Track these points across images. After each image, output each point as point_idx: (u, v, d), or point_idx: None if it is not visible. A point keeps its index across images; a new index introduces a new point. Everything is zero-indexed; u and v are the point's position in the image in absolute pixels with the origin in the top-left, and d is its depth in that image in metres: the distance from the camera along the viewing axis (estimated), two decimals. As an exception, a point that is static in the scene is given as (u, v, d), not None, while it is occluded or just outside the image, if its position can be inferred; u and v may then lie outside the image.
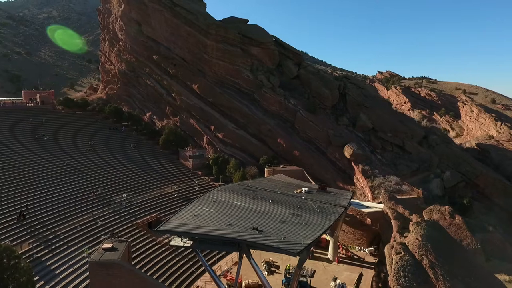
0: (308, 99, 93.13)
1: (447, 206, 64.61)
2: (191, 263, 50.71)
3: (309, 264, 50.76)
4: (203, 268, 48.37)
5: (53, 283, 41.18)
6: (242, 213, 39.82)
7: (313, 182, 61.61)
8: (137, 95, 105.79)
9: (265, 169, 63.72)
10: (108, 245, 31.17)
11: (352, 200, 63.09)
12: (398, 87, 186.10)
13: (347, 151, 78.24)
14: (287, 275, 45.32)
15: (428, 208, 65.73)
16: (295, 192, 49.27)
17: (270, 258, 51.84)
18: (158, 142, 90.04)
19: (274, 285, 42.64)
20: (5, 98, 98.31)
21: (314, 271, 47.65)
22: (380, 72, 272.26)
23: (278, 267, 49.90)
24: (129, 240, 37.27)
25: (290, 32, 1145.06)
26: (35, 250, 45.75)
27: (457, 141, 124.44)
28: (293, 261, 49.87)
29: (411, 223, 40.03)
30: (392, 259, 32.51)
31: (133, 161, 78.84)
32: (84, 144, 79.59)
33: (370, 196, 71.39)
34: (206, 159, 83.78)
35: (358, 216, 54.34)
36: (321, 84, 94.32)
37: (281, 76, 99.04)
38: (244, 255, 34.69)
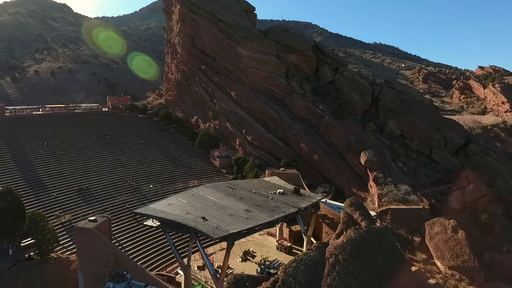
0: (340, 104, 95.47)
1: (451, 220, 62.58)
2: (186, 244, 60.93)
3: (282, 258, 56.66)
4: (196, 248, 58.14)
5: (77, 243, 56.72)
6: (205, 205, 48.30)
7: (306, 187, 66.26)
8: (188, 101, 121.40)
9: (266, 170, 70.40)
10: (92, 218, 43.41)
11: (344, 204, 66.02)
12: (497, 85, 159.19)
13: (363, 158, 79.17)
14: (261, 266, 52.22)
15: (431, 221, 64.47)
16: (270, 192, 55.50)
17: (251, 249, 59.28)
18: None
19: (247, 270, 50.48)
20: (88, 105, 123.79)
21: (283, 263, 53.24)
22: (481, 67, 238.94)
23: (254, 256, 57.19)
24: (109, 216, 49.44)
25: (386, 26, 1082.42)
26: (73, 220, 62.29)
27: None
28: (272, 253, 56.79)
29: (351, 227, 43.12)
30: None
31: (170, 158, 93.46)
32: (136, 143, 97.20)
33: (377, 203, 71.95)
34: (232, 159, 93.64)
35: (336, 220, 57.50)
36: (352, 89, 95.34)
37: (317, 81, 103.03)
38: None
